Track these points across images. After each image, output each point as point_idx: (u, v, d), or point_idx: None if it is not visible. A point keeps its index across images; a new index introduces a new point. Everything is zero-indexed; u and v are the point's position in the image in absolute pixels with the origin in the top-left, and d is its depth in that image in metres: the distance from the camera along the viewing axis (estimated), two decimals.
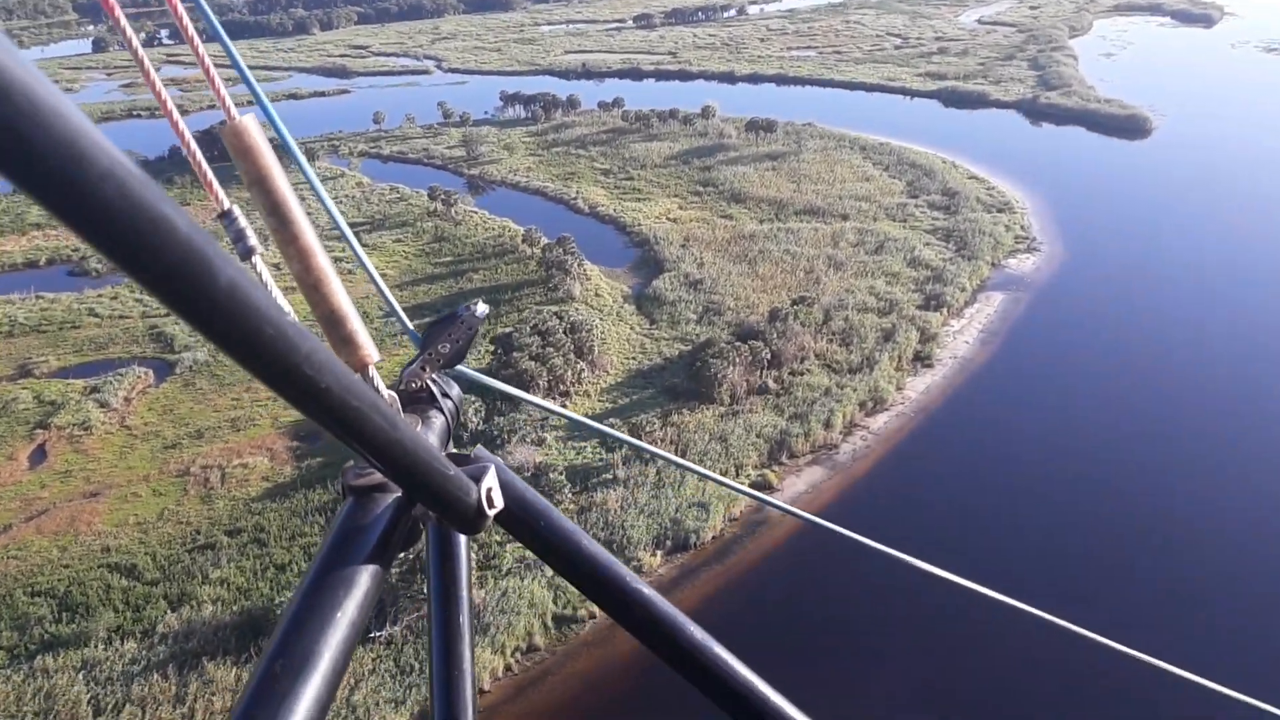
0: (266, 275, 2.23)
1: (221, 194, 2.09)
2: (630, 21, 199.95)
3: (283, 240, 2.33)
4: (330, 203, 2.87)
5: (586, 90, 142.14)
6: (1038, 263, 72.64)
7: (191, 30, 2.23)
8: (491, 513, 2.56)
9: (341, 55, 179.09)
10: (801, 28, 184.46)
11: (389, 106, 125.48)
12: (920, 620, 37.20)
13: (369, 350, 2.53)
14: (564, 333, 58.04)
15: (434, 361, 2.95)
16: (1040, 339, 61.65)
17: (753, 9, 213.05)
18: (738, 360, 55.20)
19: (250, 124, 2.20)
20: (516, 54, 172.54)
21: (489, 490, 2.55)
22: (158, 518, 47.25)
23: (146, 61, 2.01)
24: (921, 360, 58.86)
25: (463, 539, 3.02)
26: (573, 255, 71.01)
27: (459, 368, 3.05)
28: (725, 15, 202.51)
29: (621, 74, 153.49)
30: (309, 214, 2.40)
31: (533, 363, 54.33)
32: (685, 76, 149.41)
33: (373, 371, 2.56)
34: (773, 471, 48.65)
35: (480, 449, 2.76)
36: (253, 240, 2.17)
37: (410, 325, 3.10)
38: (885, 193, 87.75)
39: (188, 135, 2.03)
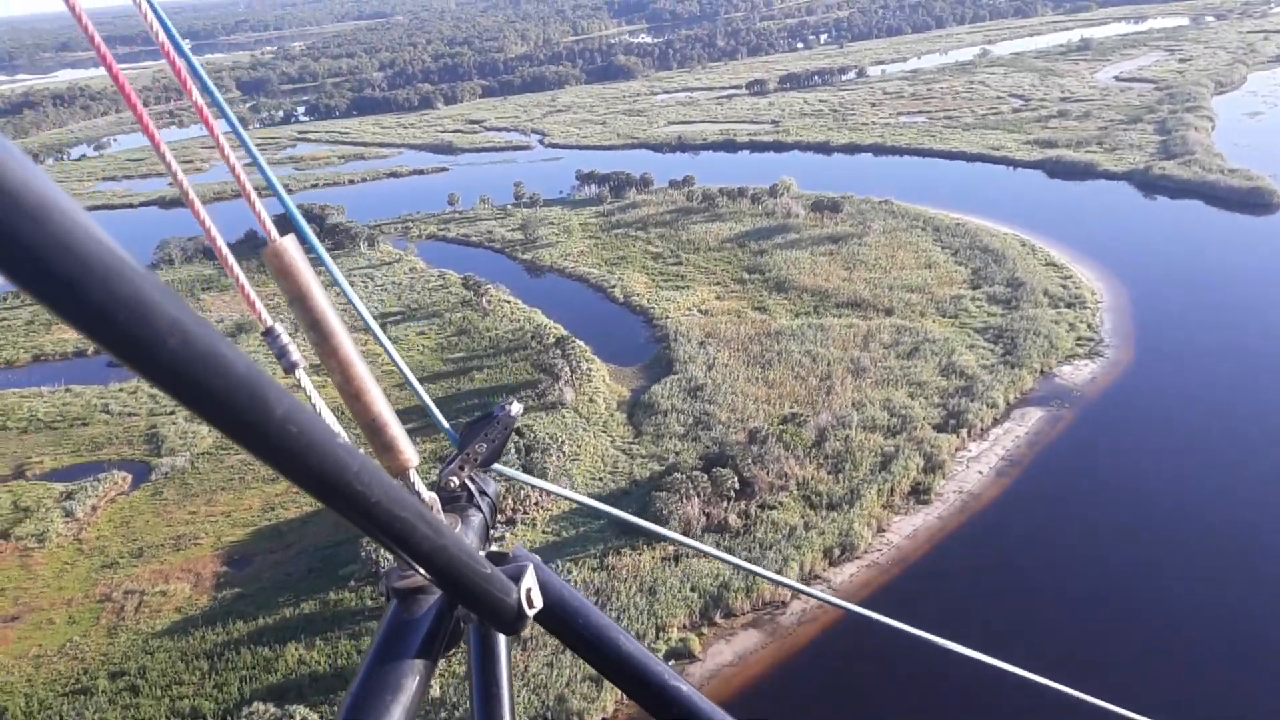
0: (310, 388, 2.28)
1: (264, 311, 2.13)
2: (744, 88, 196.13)
3: (324, 354, 2.38)
4: (369, 316, 2.91)
5: (680, 163, 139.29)
6: (1096, 371, 63.40)
7: (231, 156, 2.27)
8: (531, 613, 2.66)
9: (455, 131, 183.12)
10: (920, 89, 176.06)
11: (481, 184, 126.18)
12: None
13: (409, 455, 2.55)
14: (520, 451, 53.90)
15: (471, 461, 3.11)
16: (1070, 475, 52.85)
17: (875, 70, 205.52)
18: (694, 492, 49.56)
19: (289, 245, 2.23)
20: (620, 126, 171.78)
21: (529, 590, 2.66)
22: (58, 651, 45.63)
23: (180, 175, 2.01)
24: (919, 495, 51.40)
25: (503, 637, 3.01)
26: (571, 358, 67.12)
27: (495, 465, 3.17)
28: (843, 79, 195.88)
29: (716, 146, 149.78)
30: (348, 324, 2.44)
31: None
32: (780, 148, 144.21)
33: (414, 475, 2.62)
34: (699, 636, 42.59)
35: (519, 548, 2.89)
36: (295, 355, 2.19)
37: (447, 425, 3.17)
38: (944, 282, 79.84)
39: (228, 254, 2.12)
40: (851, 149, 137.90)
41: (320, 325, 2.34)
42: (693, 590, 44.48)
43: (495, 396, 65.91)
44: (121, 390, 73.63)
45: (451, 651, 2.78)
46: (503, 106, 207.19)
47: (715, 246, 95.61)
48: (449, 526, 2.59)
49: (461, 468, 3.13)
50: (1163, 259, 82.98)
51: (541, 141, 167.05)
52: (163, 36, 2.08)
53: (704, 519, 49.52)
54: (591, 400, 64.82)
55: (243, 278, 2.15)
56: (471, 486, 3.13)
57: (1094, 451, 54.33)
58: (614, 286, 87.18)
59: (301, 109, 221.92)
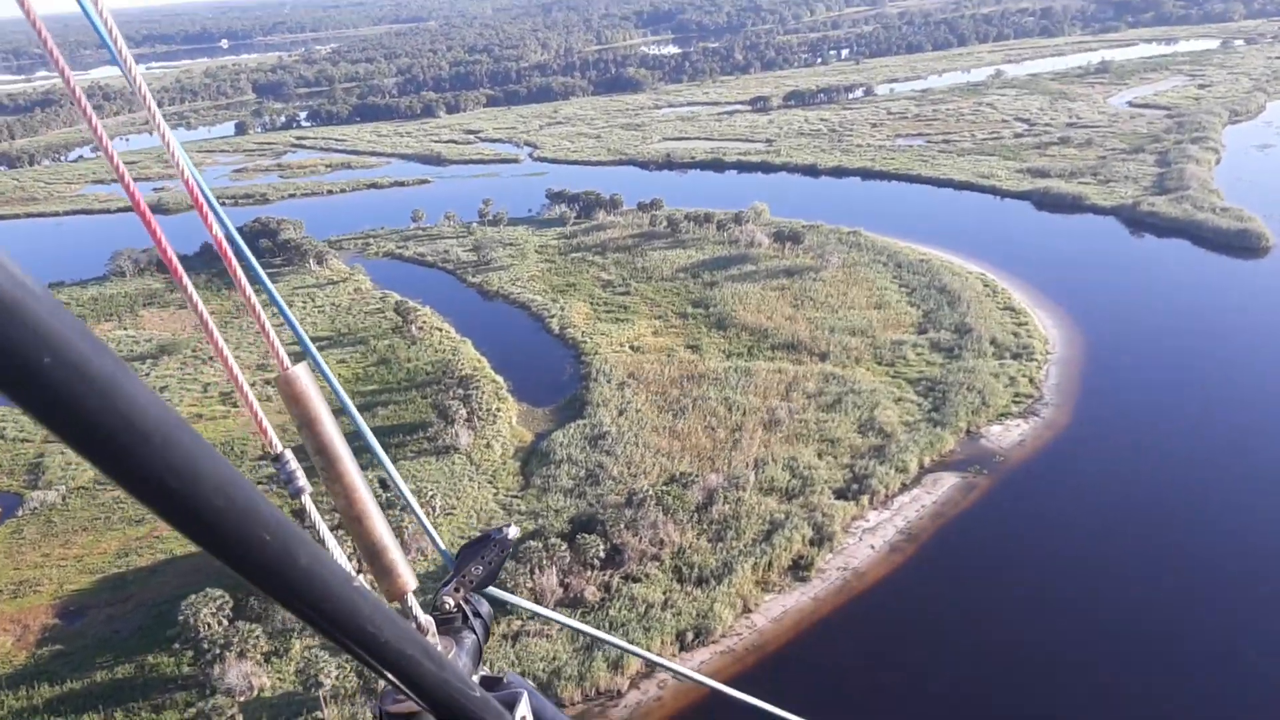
0: (315, 515, 2.35)
1: (274, 437, 2.15)
2: (747, 105, 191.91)
3: (329, 478, 2.42)
4: (378, 446, 2.97)
5: (664, 182, 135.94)
6: (1026, 433, 58.76)
7: (247, 288, 2.26)
8: None
9: (448, 141, 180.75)
10: (925, 110, 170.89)
11: (459, 198, 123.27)
12: None
13: (408, 579, 2.57)
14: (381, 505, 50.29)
15: (467, 583, 3.07)
16: (969, 553, 48.42)
17: (884, 88, 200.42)
18: (550, 563, 45.80)
19: (301, 373, 2.29)
20: (614, 141, 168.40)
21: (523, 718, 2.66)
22: None
23: (154, 222, 1.99)
24: (799, 570, 47.21)
25: None
26: (474, 398, 63.61)
27: (490, 589, 3.14)
28: (849, 96, 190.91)
29: (704, 165, 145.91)
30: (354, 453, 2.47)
31: None
32: (768, 169, 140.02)
33: (411, 600, 2.62)
34: None
35: (511, 674, 2.87)
36: (302, 481, 2.25)
37: (444, 546, 3.20)
38: (890, 325, 75.41)
39: (243, 382, 2.11)
40: (839, 172, 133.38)
41: (327, 451, 2.38)
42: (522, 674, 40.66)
43: (394, 436, 62.55)
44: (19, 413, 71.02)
45: None
46: (504, 116, 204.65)
47: (669, 275, 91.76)
48: (448, 656, 2.52)
49: (457, 589, 3.07)
50: (1132, 305, 77.83)
51: (531, 155, 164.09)
52: (121, 49, 2.06)
53: (561, 591, 45.73)
54: (489, 445, 61.26)
55: (256, 405, 2.11)
56: (466, 609, 3.04)
57: (1001, 527, 49.80)
58: (553, 317, 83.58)
59: (304, 114, 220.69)
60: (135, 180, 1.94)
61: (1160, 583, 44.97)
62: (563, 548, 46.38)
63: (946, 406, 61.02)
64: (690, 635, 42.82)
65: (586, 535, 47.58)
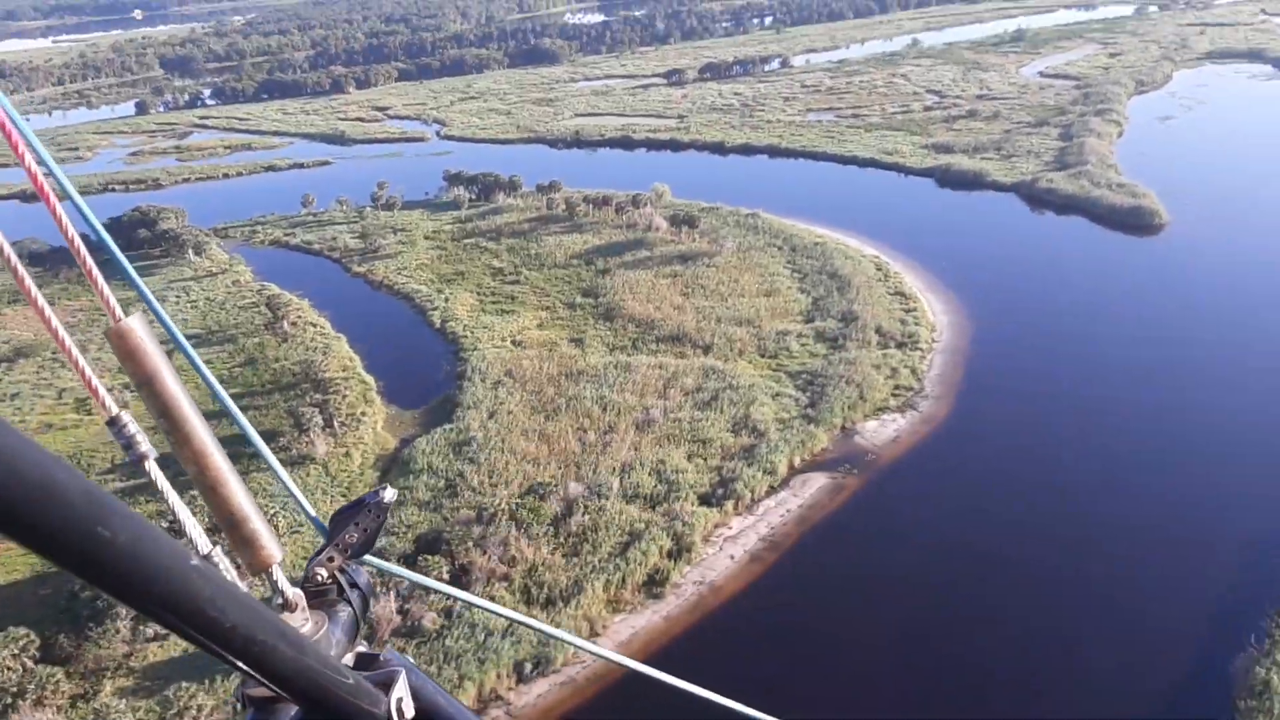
0: (162, 481, 2.13)
1: (108, 399, 1.99)
2: (662, 78, 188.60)
3: (176, 442, 2.26)
4: (225, 395, 2.75)
5: (571, 160, 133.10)
6: (902, 429, 57.43)
7: (73, 233, 2.09)
8: None
9: (355, 119, 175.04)
10: (839, 83, 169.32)
11: (359, 180, 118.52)
12: None
13: (272, 550, 2.43)
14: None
15: (342, 551, 2.87)
16: (828, 562, 46.88)
17: (800, 59, 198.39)
18: (388, 589, 43.26)
19: (136, 324, 2.10)
20: (525, 117, 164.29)
21: (399, 700, 2.46)
22: None
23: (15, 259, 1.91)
24: (653, 586, 45.27)
25: None
26: (332, 403, 60.53)
27: (367, 556, 2.95)
28: (765, 69, 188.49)
29: (614, 143, 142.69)
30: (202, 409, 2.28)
31: None
32: (676, 146, 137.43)
33: (276, 572, 2.48)
34: None
35: (390, 651, 2.69)
36: (144, 446, 2.06)
37: (314, 513, 2.99)
38: (778, 314, 73.70)
39: (70, 344, 1.94)
40: (746, 150, 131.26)
41: (172, 412, 2.18)
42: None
43: (243, 447, 59.07)
44: None
45: None
46: (416, 92, 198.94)
47: (562, 262, 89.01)
48: (310, 638, 2.39)
49: (330, 559, 2.87)
50: (1022, 287, 77.06)
51: (438, 133, 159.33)
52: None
53: (399, 619, 43.25)
54: (348, 454, 58.36)
55: (82, 361, 1.94)
56: (341, 579, 2.85)
57: (864, 532, 48.35)
58: (436, 309, 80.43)
59: (209, 92, 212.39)
60: None
61: (1027, 583, 43.91)
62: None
63: (823, 402, 59.43)
64: (529, 666, 40.62)
65: (430, 556, 45.14)
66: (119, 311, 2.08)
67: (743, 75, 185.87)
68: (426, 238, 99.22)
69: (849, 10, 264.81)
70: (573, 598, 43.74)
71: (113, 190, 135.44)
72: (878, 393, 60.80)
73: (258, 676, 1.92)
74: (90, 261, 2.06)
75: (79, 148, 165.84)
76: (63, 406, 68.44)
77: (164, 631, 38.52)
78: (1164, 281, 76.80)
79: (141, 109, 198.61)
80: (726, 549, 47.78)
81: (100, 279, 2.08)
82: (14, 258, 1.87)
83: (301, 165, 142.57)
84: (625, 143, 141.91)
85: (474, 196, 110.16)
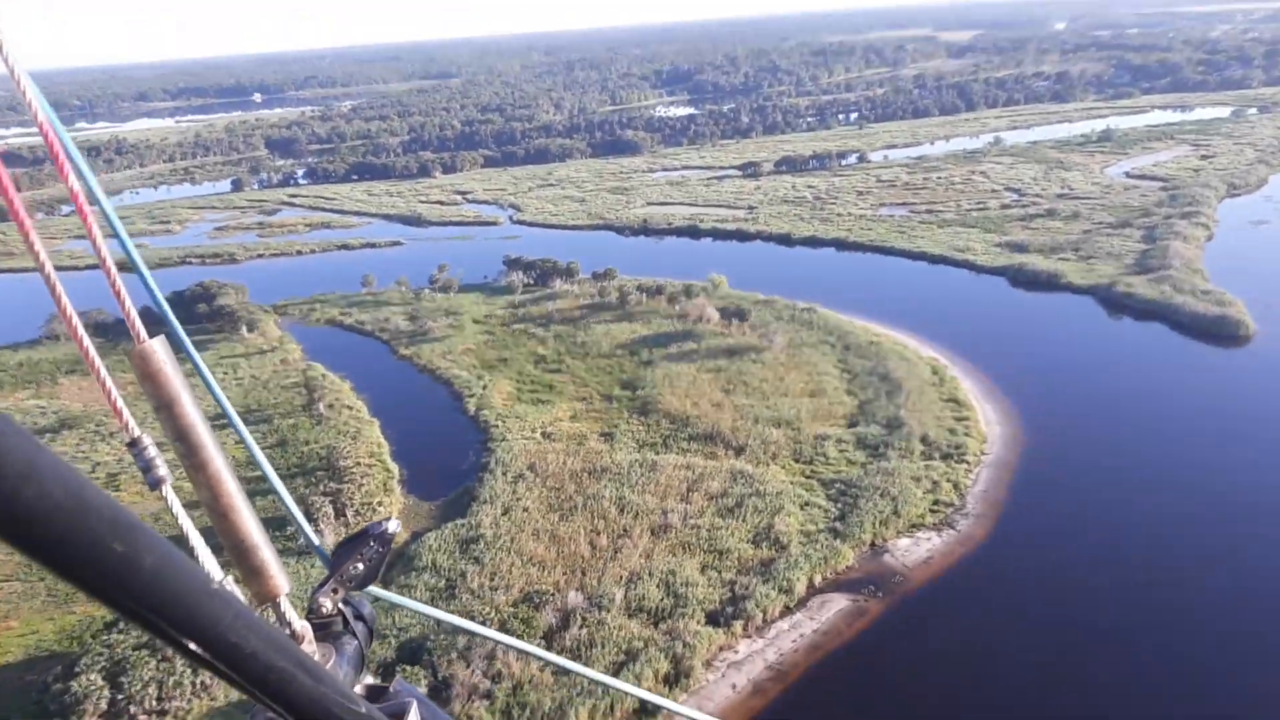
0: (178, 508, 2.12)
1: (131, 421, 2.03)
2: (738, 170, 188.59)
3: (191, 467, 2.26)
4: (245, 432, 2.84)
5: (638, 248, 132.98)
6: (937, 549, 53.06)
7: (104, 250, 2.10)
8: None
9: (435, 201, 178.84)
10: (916, 178, 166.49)
11: (428, 261, 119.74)
12: None
13: (280, 581, 2.42)
14: None
15: (345, 583, 2.87)
16: (843, 696, 42.66)
17: (879, 155, 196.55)
18: None
19: (158, 348, 2.14)
20: (598, 204, 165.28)
21: None
22: None
23: (48, 266, 1.95)
24: (644, 716, 41.64)
25: None
26: (345, 492, 59.05)
27: (370, 587, 2.95)
28: (841, 163, 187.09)
29: (680, 232, 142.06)
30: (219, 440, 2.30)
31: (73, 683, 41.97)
32: (743, 237, 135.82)
33: (284, 604, 2.48)
34: None
35: (400, 681, 2.71)
36: (162, 470, 2.08)
37: (318, 542, 2.98)
38: (820, 416, 70.20)
39: (95, 357, 1.96)
40: (813, 242, 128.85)
41: (188, 436, 2.19)
42: None
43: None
44: None
45: None
46: (499, 178, 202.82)
47: (607, 352, 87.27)
48: (326, 668, 2.34)
49: (335, 590, 2.86)
50: (1087, 397, 72.05)
51: (511, 218, 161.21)
52: (39, 110, 1.91)
53: None
54: None
55: (109, 381, 1.96)
56: (346, 611, 2.84)
57: (880, 667, 43.98)
58: (473, 396, 79.16)
59: (302, 172, 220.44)
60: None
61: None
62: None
63: (853, 515, 55.53)
64: None
65: (409, 667, 42.49)
66: (143, 333, 2.10)
67: (819, 169, 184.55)
68: (476, 321, 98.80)
69: (934, 108, 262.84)
70: None
71: (189, 263, 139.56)
72: (914, 507, 56.59)
73: (275, 707, 1.87)
74: (104, 249, 2.02)
75: (170, 221, 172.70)
76: (93, 478, 68.27)
77: None
78: (1245, 398, 70.92)
79: (237, 186, 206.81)
80: (729, 677, 43.97)
81: (124, 294, 2.14)
82: (75, 318, 1.93)
83: (373, 245, 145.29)
84: (692, 231, 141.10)
85: (530, 282, 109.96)
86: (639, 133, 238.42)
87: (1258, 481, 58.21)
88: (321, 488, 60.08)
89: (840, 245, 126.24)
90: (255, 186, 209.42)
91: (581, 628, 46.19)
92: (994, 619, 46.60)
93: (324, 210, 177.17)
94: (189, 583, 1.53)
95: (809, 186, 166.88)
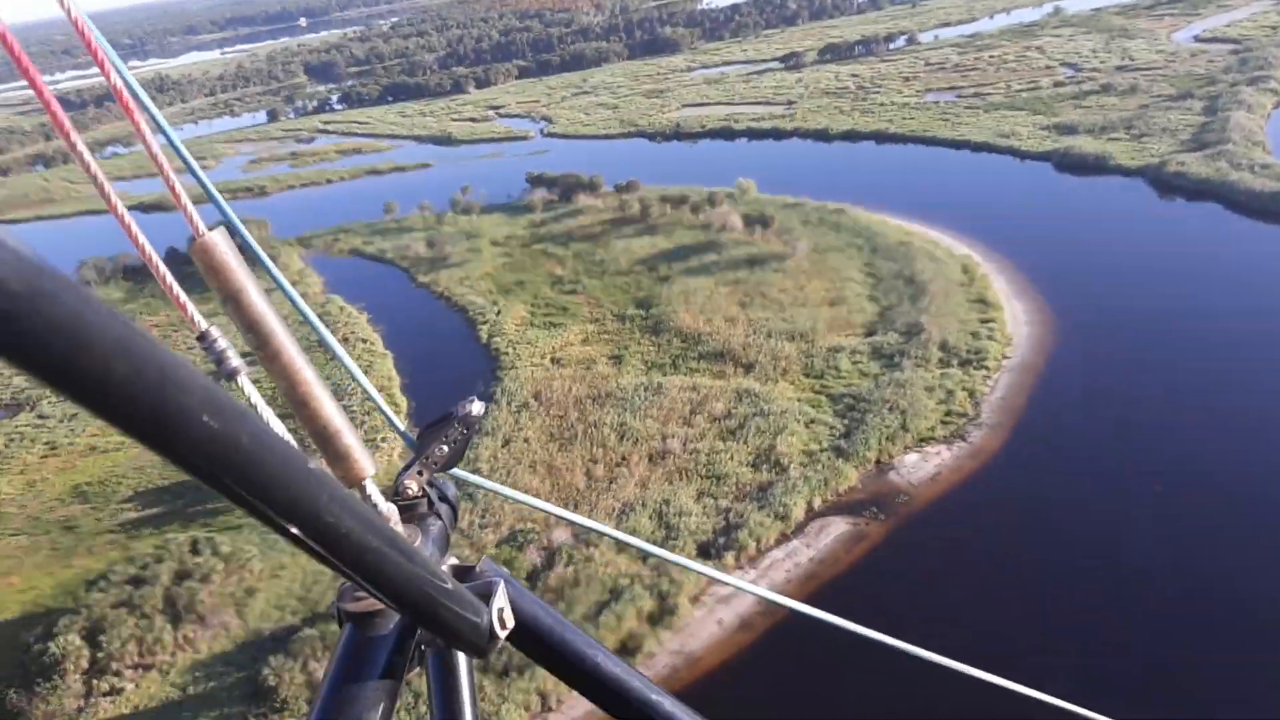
0: (255, 396, 2.10)
1: (197, 315, 2.02)
2: (779, 62, 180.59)
3: (264, 358, 2.27)
4: (310, 313, 2.80)
5: (671, 154, 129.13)
6: (945, 464, 50.31)
7: (154, 146, 2.09)
8: (503, 634, 2.48)
9: (468, 119, 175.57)
10: (967, 59, 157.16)
11: (456, 182, 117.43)
12: None
13: (365, 464, 2.44)
14: (161, 581, 45.61)
15: (430, 466, 2.89)
16: (832, 634, 40.70)
17: (929, 35, 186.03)
18: (323, 656, 40.31)
19: (219, 239, 2.11)
20: (631, 110, 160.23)
21: (500, 610, 2.48)
22: None
23: (94, 167, 1.84)
24: (623, 656, 40.40)
25: (465, 657, 2.79)
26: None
27: (454, 470, 2.95)
28: (889, 47, 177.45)
29: (714, 134, 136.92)
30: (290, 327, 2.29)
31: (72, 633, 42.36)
32: (778, 135, 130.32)
33: (370, 486, 2.51)
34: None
35: (487, 561, 2.72)
36: (235, 361, 2.08)
37: (402, 427, 3.06)
38: (837, 326, 67.10)
39: (150, 251, 1.96)
40: (851, 136, 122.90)
41: (259, 327, 2.20)
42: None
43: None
44: None
45: (415, 672, 2.52)
46: (533, 89, 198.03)
47: (625, 269, 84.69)
48: (417, 548, 2.35)
49: (420, 472, 2.90)
50: (1125, 291, 67.25)
51: (542, 131, 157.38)
52: (92, 38, 1.87)
53: None
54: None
55: (169, 276, 1.93)
56: (431, 493, 2.87)
57: (874, 597, 41.86)
58: (486, 323, 77.67)
59: (336, 96, 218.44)
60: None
61: (1060, 673, 36.76)
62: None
63: (859, 431, 52.88)
64: None
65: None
66: (202, 226, 2.09)
67: (865, 55, 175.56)
68: (495, 244, 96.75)
69: None
70: (527, 669, 39.56)
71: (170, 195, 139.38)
72: (924, 420, 53.64)
73: (369, 587, 1.90)
74: (159, 154, 2.06)
75: (206, 157, 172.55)
76: (77, 436, 68.82)
77: (119, 686, 35.60)
78: None
79: (272, 116, 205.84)
80: (716, 612, 42.47)
81: (180, 190, 2.12)
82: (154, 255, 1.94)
83: (402, 168, 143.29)
84: (726, 133, 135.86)
85: (555, 198, 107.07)
86: (678, 29, 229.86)
87: None
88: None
89: (880, 138, 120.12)
90: (291, 116, 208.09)
91: (568, 565, 45.01)
92: (998, 542, 43.99)
93: (356, 135, 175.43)
94: (285, 463, 1.51)
95: (852, 75, 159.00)
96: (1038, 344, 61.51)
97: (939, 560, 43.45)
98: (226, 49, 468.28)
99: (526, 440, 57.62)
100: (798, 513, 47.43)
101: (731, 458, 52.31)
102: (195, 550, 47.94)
